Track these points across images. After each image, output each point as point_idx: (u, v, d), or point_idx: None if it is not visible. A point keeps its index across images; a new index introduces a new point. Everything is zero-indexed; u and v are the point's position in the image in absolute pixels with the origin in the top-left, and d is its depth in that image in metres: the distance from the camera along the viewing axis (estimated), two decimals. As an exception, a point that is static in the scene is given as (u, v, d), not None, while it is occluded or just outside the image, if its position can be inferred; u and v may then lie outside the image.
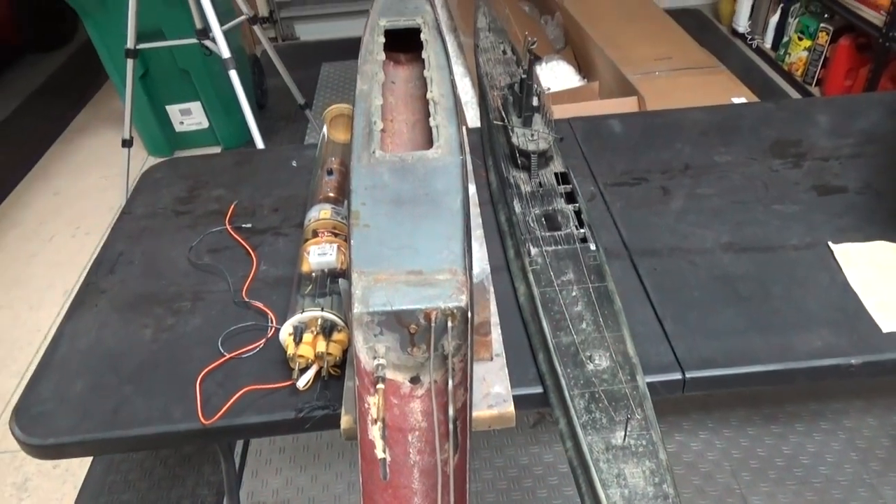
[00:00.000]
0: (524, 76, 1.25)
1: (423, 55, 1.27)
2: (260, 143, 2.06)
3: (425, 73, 1.21)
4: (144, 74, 2.89)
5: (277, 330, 1.05)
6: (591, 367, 0.89)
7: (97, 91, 3.74)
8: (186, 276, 1.18)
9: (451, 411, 0.64)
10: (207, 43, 2.20)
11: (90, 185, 3.02)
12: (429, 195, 0.90)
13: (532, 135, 1.24)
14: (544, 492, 1.63)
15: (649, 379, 0.90)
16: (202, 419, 0.92)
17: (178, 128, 3.16)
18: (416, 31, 1.38)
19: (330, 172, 1.26)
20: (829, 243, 1.13)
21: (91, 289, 1.18)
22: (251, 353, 1.02)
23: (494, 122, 1.32)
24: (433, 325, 0.72)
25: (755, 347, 0.97)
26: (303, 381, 0.95)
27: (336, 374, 0.96)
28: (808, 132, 1.41)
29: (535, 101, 1.26)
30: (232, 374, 0.99)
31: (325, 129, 1.43)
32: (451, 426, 0.65)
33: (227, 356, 1.01)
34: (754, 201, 1.24)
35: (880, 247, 1.11)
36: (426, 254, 0.80)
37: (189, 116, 3.13)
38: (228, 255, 1.22)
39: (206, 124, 3.15)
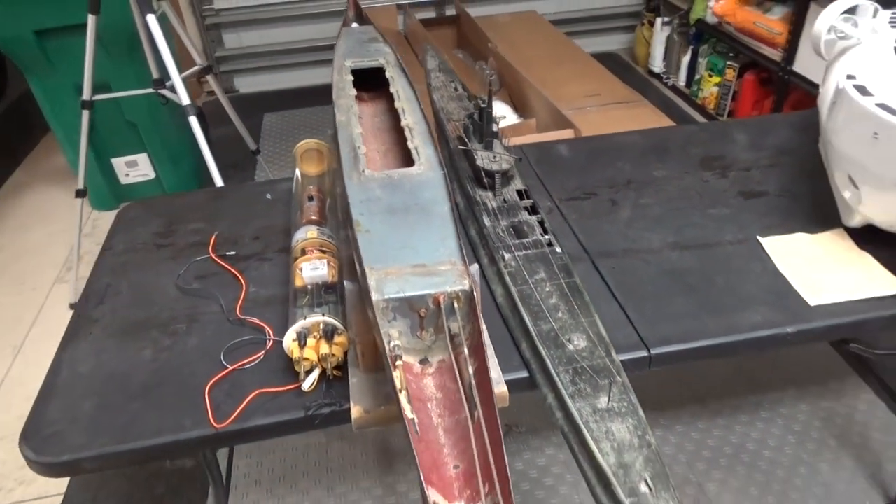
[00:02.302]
0: (483, 105, 1.39)
1: (392, 89, 1.39)
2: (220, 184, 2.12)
3: (397, 104, 1.33)
4: (90, 129, 2.90)
5: (275, 342, 1.12)
6: (570, 347, 1.00)
7: (34, 148, 3.69)
8: (177, 302, 1.24)
9: (469, 373, 0.74)
10: (164, 92, 2.27)
11: (34, 241, 2.97)
12: (418, 204, 1.01)
13: (494, 157, 1.37)
14: (541, 493, 1.72)
15: (620, 357, 1.01)
16: (214, 423, 0.98)
17: (123, 180, 3.16)
18: (378, 71, 1.51)
19: (310, 199, 1.35)
20: (759, 237, 1.30)
21: (82, 320, 1.21)
22: (253, 364, 1.08)
23: (459, 148, 1.45)
24: (442, 307, 0.82)
25: (706, 326, 1.11)
26: (308, 383, 1.02)
27: (339, 375, 1.04)
28: (730, 148, 1.61)
29: (494, 127, 1.40)
30: (237, 383, 1.05)
31: (297, 163, 1.51)
32: (468, 391, 0.74)
33: (231, 368, 1.07)
34: (691, 207, 1.41)
35: (801, 238, 1.29)
36: (426, 251, 0.90)
37: (135, 168, 3.14)
38: (216, 281, 1.28)
39: (152, 175, 3.17)
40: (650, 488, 0.81)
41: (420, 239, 0.93)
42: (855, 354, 1.99)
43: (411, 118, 1.27)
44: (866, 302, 1.14)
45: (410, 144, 1.18)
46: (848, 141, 1.18)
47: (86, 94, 2.17)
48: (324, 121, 3.91)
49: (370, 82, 1.52)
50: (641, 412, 0.90)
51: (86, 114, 2.20)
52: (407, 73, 1.46)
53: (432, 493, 0.64)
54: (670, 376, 1.92)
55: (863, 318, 1.12)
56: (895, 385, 1.55)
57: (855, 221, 1.27)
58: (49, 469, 0.96)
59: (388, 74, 1.46)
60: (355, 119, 1.28)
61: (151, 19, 1.98)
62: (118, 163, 3.11)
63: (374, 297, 0.81)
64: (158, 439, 0.97)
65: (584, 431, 0.87)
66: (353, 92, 1.39)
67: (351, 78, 1.45)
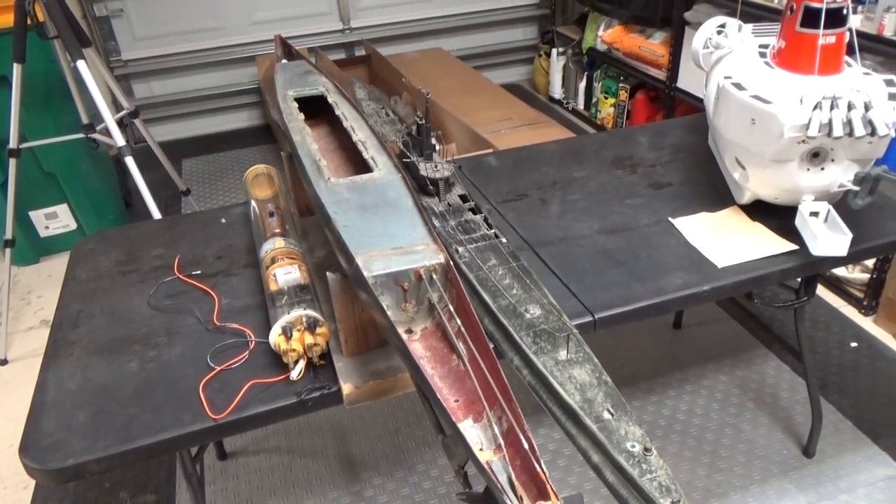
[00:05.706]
0: (422, 122, 1.54)
1: (337, 112, 1.53)
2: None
3: (345, 124, 1.46)
4: (5, 182, 2.84)
5: (257, 342, 1.21)
6: (528, 316, 1.14)
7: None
8: (153, 318, 1.30)
9: (458, 323, 0.87)
10: (96, 136, 2.30)
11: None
12: (385, 202, 1.14)
13: (436, 166, 1.52)
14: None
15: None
16: (212, 416, 1.05)
17: (43, 233, 3.10)
18: (317, 99, 1.64)
19: (272, 214, 1.44)
20: (670, 219, 1.50)
21: (60, 343, 1.25)
22: (240, 364, 1.16)
23: (402, 161, 1.59)
24: (423, 280, 0.95)
25: (637, 291, 1.29)
26: (296, 372, 1.11)
27: (323, 363, 1.14)
28: (636, 149, 1.83)
29: (433, 141, 1.55)
30: (228, 381, 1.12)
31: (248, 187, 1.61)
32: (455, 342, 0.87)
33: (219, 368, 1.15)
34: (610, 199, 1.60)
35: (703, 216, 1.50)
36: (400, 237, 1.03)
37: (55, 220, 3.09)
38: (188, 297, 1.35)
39: (73, 226, 3.13)
40: (612, 415, 0.95)
41: (393, 228, 1.06)
42: (759, 323, 2.26)
43: (362, 134, 1.41)
44: (762, 260, 1.35)
45: (366, 155, 1.32)
46: (732, 129, 1.41)
47: (13, 143, 2.18)
48: (244, 162, 3.96)
49: (310, 110, 1.64)
50: (596, 359, 1.05)
51: (13, 162, 2.20)
52: (348, 97, 1.60)
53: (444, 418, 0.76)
54: (604, 362, 2.11)
55: (761, 274, 1.33)
56: (794, 342, 1.78)
57: (745, 198, 1.50)
58: (55, 476, 1.00)
59: (330, 100, 1.60)
60: (309, 138, 1.40)
61: (82, 65, 2.02)
62: (37, 215, 3.05)
63: (365, 274, 0.93)
64: (162, 435, 1.03)
65: (551, 379, 1.01)
66: (301, 116, 1.51)
67: (296, 104, 1.57)
